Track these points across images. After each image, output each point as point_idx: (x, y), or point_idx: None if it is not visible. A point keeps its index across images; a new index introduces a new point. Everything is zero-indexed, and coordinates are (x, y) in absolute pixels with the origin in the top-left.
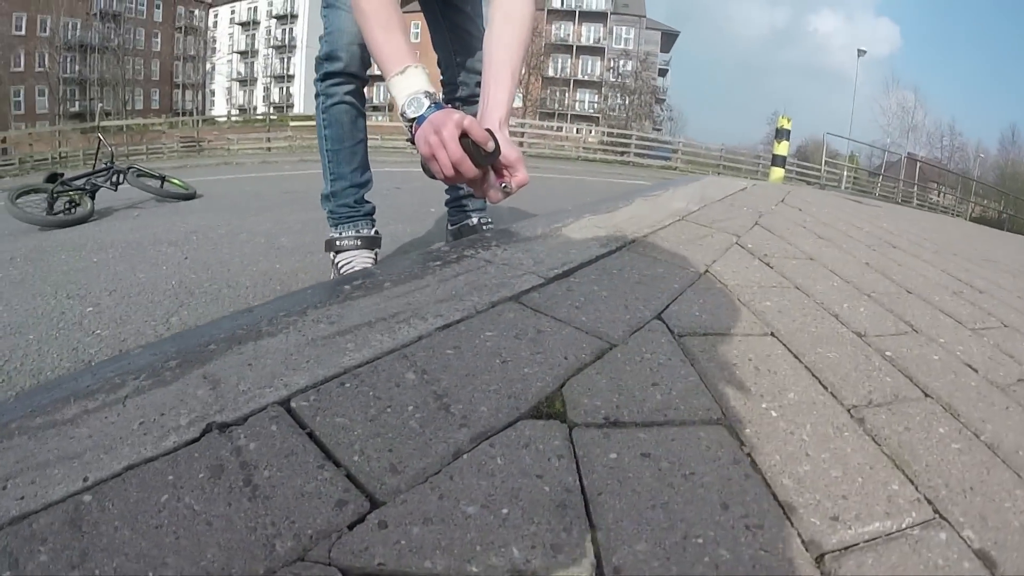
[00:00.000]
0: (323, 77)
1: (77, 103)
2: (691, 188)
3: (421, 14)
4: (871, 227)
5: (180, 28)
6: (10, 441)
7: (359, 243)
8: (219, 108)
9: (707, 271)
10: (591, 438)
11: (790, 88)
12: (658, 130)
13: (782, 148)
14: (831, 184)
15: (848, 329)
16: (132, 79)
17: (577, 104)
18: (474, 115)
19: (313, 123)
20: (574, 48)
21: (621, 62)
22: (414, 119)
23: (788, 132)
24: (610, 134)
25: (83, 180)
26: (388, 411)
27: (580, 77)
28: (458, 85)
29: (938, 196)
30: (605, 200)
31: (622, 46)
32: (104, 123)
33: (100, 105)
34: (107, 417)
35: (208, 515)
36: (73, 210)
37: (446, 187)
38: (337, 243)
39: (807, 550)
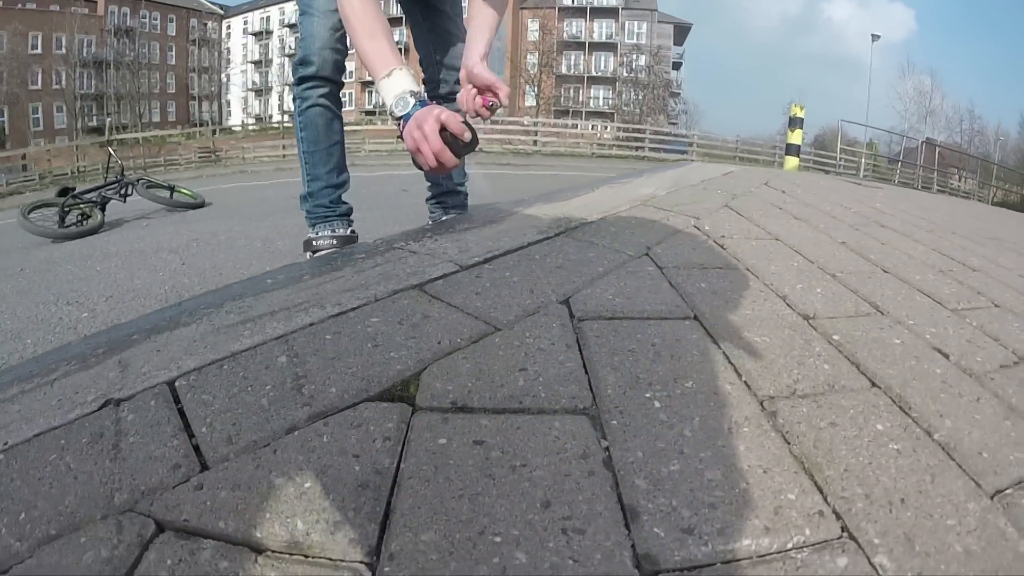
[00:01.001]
0: (298, 81)
1: (95, 118)
2: (668, 174)
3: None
4: (862, 207)
5: (194, 41)
6: None
7: (335, 242)
8: (236, 118)
9: (646, 254)
10: (428, 422)
11: (806, 77)
12: (673, 123)
13: (796, 136)
14: (848, 172)
15: (794, 311)
16: (148, 92)
17: (591, 100)
18: (456, 111)
19: None
20: (586, 44)
21: (633, 57)
22: (401, 117)
23: (801, 120)
24: (625, 129)
25: (94, 193)
26: (248, 390)
27: (593, 73)
28: (439, 83)
29: (959, 181)
30: (566, 189)
31: (634, 41)
32: (121, 136)
33: (109, 120)
34: (36, 395)
35: (77, 471)
36: (84, 222)
37: (428, 184)
38: (314, 243)
39: (638, 566)
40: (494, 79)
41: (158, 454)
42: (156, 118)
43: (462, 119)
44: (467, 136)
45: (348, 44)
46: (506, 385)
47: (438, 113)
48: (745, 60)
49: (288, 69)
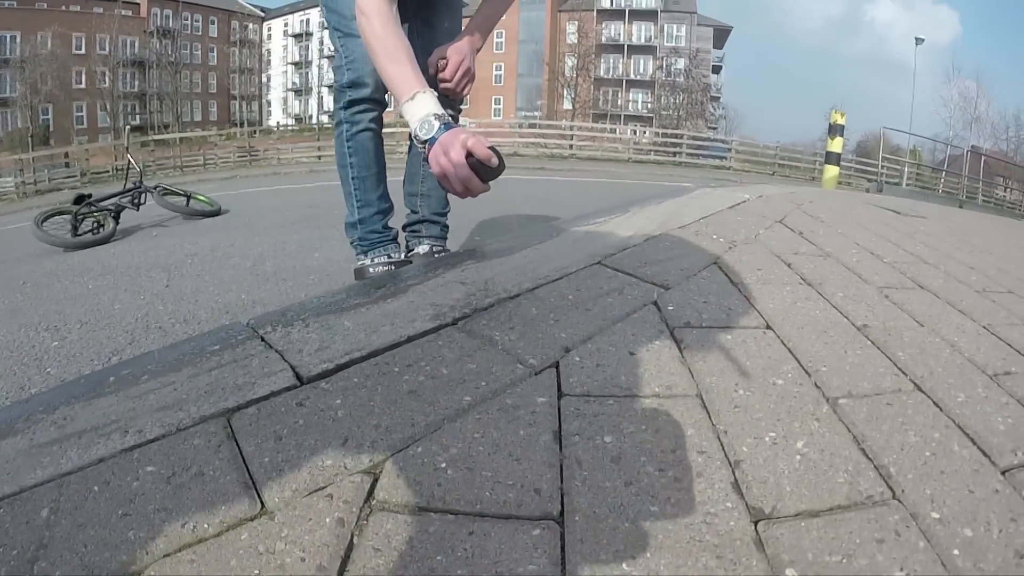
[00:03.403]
0: (347, 105)
1: (138, 116)
2: (661, 208)
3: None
4: (897, 254)
5: (235, 42)
6: None
7: (393, 268)
8: (276, 118)
9: (554, 367)
10: None
11: (848, 81)
12: (713, 128)
13: (836, 144)
14: (892, 181)
15: (745, 511)
16: (190, 92)
17: (630, 104)
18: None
19: None
20: (625, 48)
21: (672, 60)
22: (426, 140)
23: (842, 127)
24: (663, 134)
25: (109, 201)
26: None
27: (632, 77)
28: None
29: (1005, 191)
30: (530, 233)
31: (673, 44)
32: (161, 136)
33: (127, 126)
34: None
35: None
36: (97, 231)
37: (407, 211)
38: (370, 270)
39: None
40: (460, 57)
41: None
42: (198, 117)
43: (488, 144)
44: (494, 162)
45: None
46: None
47: (464, 138)
48: (786, 64)
49: (327, 70)
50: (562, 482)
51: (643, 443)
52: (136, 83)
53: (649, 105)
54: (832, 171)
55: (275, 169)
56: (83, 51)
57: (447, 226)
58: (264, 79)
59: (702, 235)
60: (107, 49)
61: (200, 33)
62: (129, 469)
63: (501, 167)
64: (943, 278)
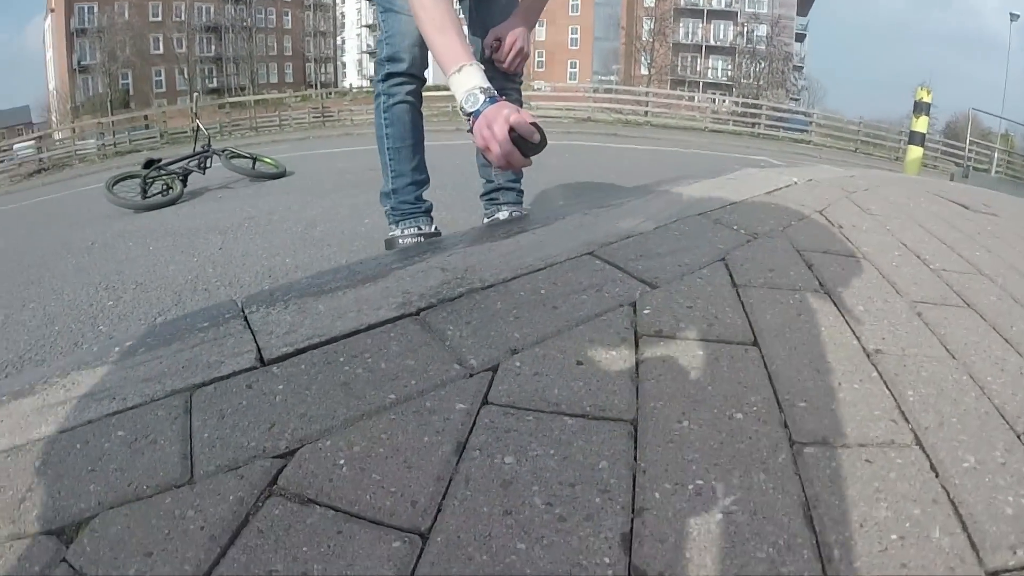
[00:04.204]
0: (385, 78)
1: (215, 79)
2: (688, 191)
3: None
4: (949, 260)
5: (309, 6)
6: None
7: (421, 240)
8: (351, 80)
9: (492, 370)
10: None
11: (937, 57)
12: (795, 100)
13: (921, 124)
14: (980, 167)
15: None
16: (265, 56)
17: (709, 71)
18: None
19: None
20: (704, 12)
21: (753, 26)
22: (471, 113)
23: (928, 106)
24: (742, 103)
25: (177, 165)
26: None
27: (712, 43)
28: (489, 79)
29: None
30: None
31: (754, 9)
32: (236, 99)
33: (196, 94)
34: None
35: None
36: (166, 193)
37: (483, 180)
38: (399, 240)
39: None
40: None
41: None
42: (274, 79)
43: (531, 119)
44: (536, 138)
45: None
46: None
47: (507, 114)
48: (873, 34)
49: None
50: (443, 498)
51: (542, 470)
52: (212, 47)
53: (729, 73)
54: (915, 152)
55: (347, 130)
56: (159, 18)
57: (522, 191)
58: (339, 41)
59: (721, 225)
60: (182, 16)
61: None
62: (105, 432)
63: (543, 143)
64: (997, 295)
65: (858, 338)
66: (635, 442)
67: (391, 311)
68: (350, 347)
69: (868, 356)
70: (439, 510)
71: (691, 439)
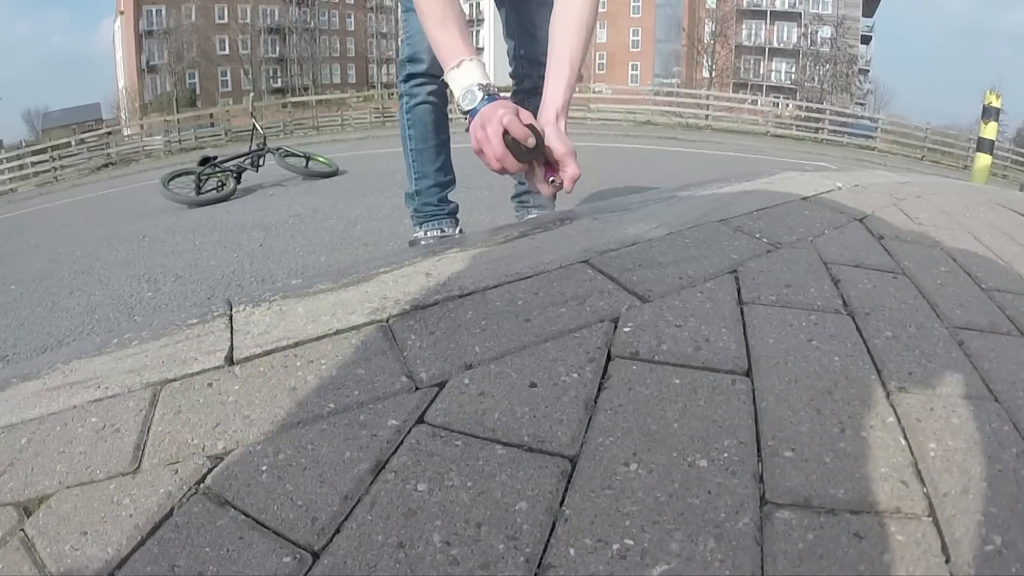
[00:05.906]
0: (406, 78)
1: (279, 79)
2: (715, 194)
3: None
4: (1007, 279)
5: (371, 8)
6: None
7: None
8: None
9: (439, 385)
10: None
11: (1010, 59)
12: (861, 104)
13: (990, 130)
14: None
15: None
16: (328, 56)
17: (772, 74)
18: (539, 105)
19: None
20: (768, 13)
21: (817, 28)
22: (468, 111)
23: (997, 111)
24: (806, 107)
25: (230, 163)
26: None
27: (775, 45)
28: (523, 77)
29: None
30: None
31: (819, 10)
32: (299, 99)
33: (252, 94)
34: None
35: None
36: (220, 190)
37: (515, 182)
38: (421, 242)
39: None
40: (564, 151)
41: None
42: (336, 80)
43: (528, 122)
44: (531, 142)
45: None
46: None
47: (502, 115)
48: (941, 36)
49: None
50: (345, 519)
51: (452, 503)
52: (276, 48)
53: (792, 76)
54: (984, 160)
55: None
56: (225, 20)
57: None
58: (399, 43)
59: (741, 232)
60: (247, 18)
61: (337, 0)
62: (82, 418)
63: (539, 147)
64: None
65: (879, 372)
66: (568, 483)
67: (362, 317)
68: (310, 352)
69: (888, 395)
70: (337, 531)
71: (634, 487)
